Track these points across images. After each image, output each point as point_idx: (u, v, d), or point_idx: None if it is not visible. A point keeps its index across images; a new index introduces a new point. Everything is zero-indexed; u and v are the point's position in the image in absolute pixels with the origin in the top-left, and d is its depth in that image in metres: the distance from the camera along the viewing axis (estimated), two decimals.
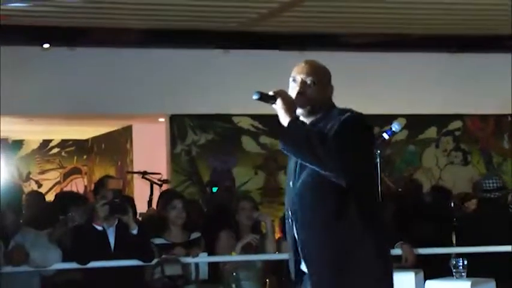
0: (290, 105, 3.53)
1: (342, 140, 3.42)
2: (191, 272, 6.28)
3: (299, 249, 3.56)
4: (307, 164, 3.47)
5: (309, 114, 3.63)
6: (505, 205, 6.86)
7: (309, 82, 3.62)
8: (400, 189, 8.38)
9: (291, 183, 3.62)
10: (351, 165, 3.41)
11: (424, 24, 8.71)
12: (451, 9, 8.03)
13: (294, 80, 3.65)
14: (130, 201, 7.23)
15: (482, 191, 6.75)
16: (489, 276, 4.67)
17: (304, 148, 3.43)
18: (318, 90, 3.63)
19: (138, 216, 7.83)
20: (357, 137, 3.48)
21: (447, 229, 7.10)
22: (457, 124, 10.17)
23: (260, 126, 9.63)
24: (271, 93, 3.55)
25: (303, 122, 3.55)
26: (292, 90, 3.63)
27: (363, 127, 3.55)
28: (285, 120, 3.50)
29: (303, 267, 3.59)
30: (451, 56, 9.69)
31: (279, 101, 3.52)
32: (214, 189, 8.16)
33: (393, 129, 3.96)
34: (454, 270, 4.53)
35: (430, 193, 7.81)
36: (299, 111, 3.60)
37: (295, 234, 3.58)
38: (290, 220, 3.61)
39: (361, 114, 3.59)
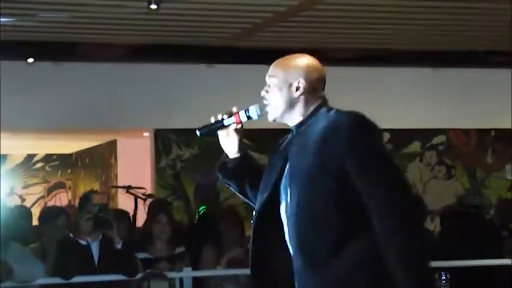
0: None
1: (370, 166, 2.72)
2: (176, 286, 6.27)
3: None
4: None
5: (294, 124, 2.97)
6: (485, 221, 6.87)
7: (269, 84, 3.03)
8: None
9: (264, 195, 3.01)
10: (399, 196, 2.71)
11: (408, 40, 8.76)
12: (435, 25, 8.09)
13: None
14: (127, 215, 7.25)
15: (465, 206, 6.78)
16: None
17: None
18: (279, 93, 3.00)
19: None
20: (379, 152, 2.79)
21: None
22: (440, 138, 10.21)
23: (245, 140, 9.59)
24: None
25: None
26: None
27: (373, 132, 2.87)
28: None
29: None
30: (435, 71, 9.74)
31: None
32: (201, 208, 8.10)
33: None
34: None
35: None
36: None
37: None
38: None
39: (357, 113, 2.91)
